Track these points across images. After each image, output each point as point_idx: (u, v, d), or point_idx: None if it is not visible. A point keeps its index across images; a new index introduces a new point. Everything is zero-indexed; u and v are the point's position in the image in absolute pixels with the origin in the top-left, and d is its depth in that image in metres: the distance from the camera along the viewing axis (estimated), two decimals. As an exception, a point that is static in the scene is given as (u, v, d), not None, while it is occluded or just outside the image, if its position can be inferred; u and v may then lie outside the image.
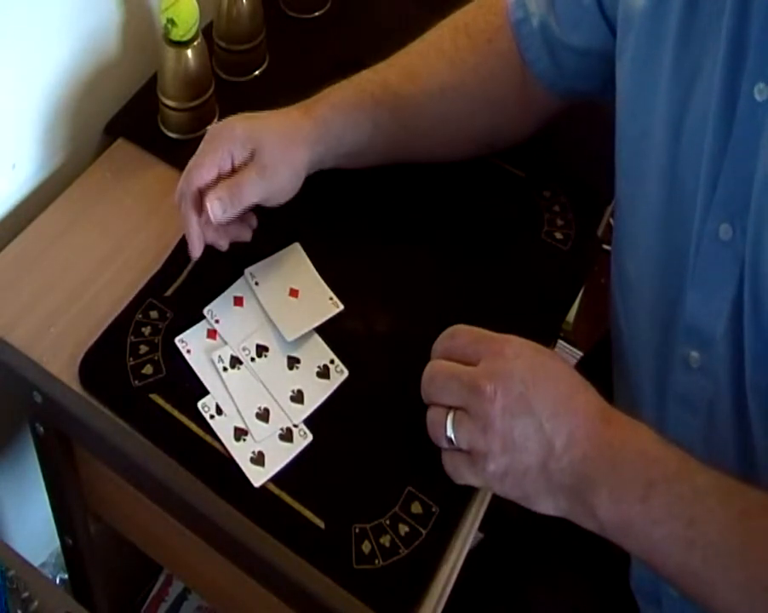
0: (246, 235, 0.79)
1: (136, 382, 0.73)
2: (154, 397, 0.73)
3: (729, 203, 0.63)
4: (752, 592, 0.58)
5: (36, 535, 1.11)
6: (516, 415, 0.62)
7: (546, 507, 0.63)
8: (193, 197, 0.73)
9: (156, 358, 0.75)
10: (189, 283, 0.79)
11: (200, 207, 0.73)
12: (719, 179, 0.63)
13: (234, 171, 0.74)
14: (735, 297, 0.64)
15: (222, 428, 0.71)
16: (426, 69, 0.82)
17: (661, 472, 0.60)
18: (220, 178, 0.74)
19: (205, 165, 0.73)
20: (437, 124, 0.83)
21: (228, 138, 0.74)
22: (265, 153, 0.74)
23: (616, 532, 0.61)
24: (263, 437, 0.71)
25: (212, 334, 0.76)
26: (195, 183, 0.73)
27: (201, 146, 0.75)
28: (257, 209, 0.79)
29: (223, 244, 0.77)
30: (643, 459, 0.61)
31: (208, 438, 0.71)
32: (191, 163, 0.75)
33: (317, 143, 0.78)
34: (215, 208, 0.72)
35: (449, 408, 0.64)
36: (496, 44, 0.82)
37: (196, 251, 0.75)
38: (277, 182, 0.75)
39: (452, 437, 0.64)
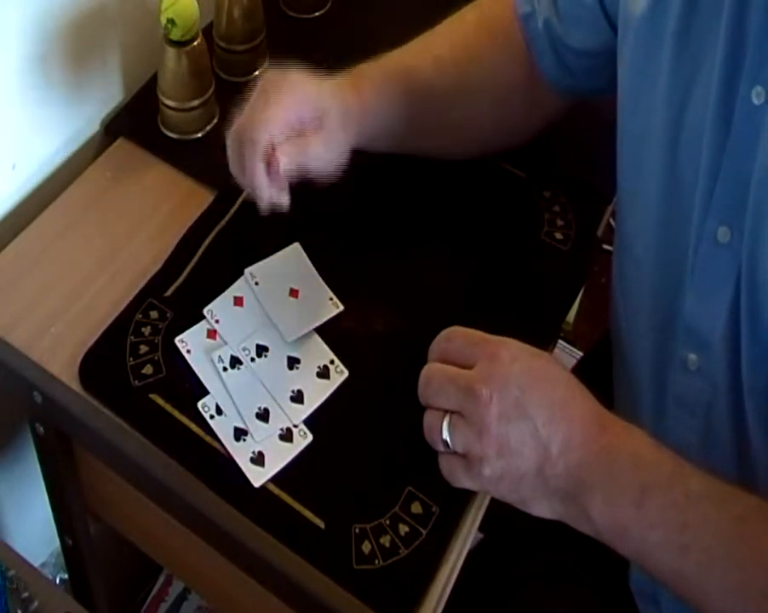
0: (284, 202, 0.76)
1: (136, 382, 0.73)
2: (154, 397, 0.73)
3: (727, 206, 0.63)
4: (746, 597, 0.58)
5: (36, 535, 1.11)
6: (512, 420, 0.61)
7: (541, 510, 0.63)
8: (264, 146, 0.71)
9: (156, 358, 0.75)
10: (189, 283, 0.79)
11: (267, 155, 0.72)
12: (716, 181, 0.63)
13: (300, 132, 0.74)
14: (732, 299, 0.64)
15: (222, 428, 0.71)
16: (454, 65, 0.82)
17: (655, 478, 0.60)
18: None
19: (278, 118, 0.72)
20: (446, 106, 0.83)
21: (301, 97, 0.74)
22: (331, 121, 0.74)
23: (611, 536, 0.61)
24: (263, 437, 0.71)
25: (212, 334, 0.76)
26: (266, 134, 0.71)
27: (264, 97, 0.73)
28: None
29: (285, 201, 0.75)
30: (637, 464, 0.61)
31: (208, 438, 0.71)
32: (259, 112, 0.72)
33: (361, 124, 0.78)
34: (284, 162, 0.71)
35: (446, 411, 0.64)
36: (506, 36, 0.82)
37: (265, 199, 0.73)
38: (333, 152, 0.75)
39: (448, 440, 0.64)
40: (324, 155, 0.74)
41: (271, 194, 0.74)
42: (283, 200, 0.75)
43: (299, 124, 0.73)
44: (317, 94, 0.75)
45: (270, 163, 0.72)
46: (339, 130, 0.75)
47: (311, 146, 0.73)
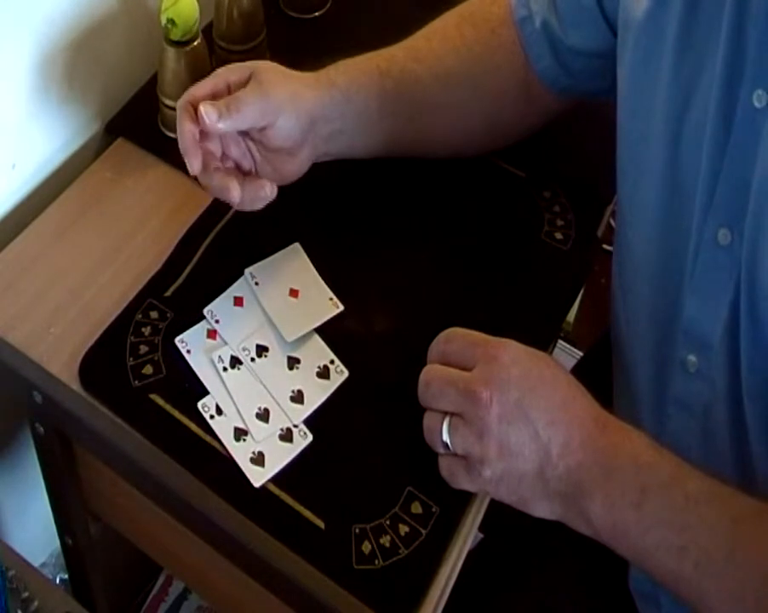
0: (264, 192, 0.74)
1: (136, 382, 0.73)
2: (154, 397, 0.73)
3: (727, 208, 0.63)
4: (742, 599, 0.58)
5: (36, 535, 1.11)
6: (512, 422, 0.62)
7: (542, 511, 0.63)
8: (186, 106, 0.71)
9: (156, 358, 0.75)
10: (189, 283, 0.79)
11: (195, 118, 0.71)
12: (717, 184, 0.63)
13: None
14: (732, 302, 0.64)
15: (222, 428, 0.71)
16: (431, 53, 0.82)
17: (654, 479, 0.60)
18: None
19: (199, 85, 0.73)
20: (439, 106, 0.82)
21: (224, 69, 0.75)
22: (262, 74, 0.73)
23: (610, 537, 0.62)
24: (263, 437, 0.71)
25: (212, 334, 0.76)
26: (188, 97, 0.72)
27: None
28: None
29: (234, 195, 0.72)
30: (636, 466, 0.61)
31: (208, 438, 0.71)
32: None
33: (322, 89, 0.77)
34: (209, 110, 0.69)
35: (446, 413, 0.64)
36: (500, 35, 0.82)
37: (193, 164, 0.70)
38: (274, 102, 0.72)
39: (448, 442, 0.64)
40: (262, 100, 0.72)
41: (206, 172, 0.72)
42: (233, 193, 0.72)
43: (225, 85, 0.73)
44: (242, 62, 0.75)
45: (201, 125, 0.70)
46: (277, 81, 0.73)
47: (240, 93, 0.71)
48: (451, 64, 0.81)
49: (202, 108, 0.69)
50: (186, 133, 0.71)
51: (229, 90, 0.73)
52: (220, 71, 0.75)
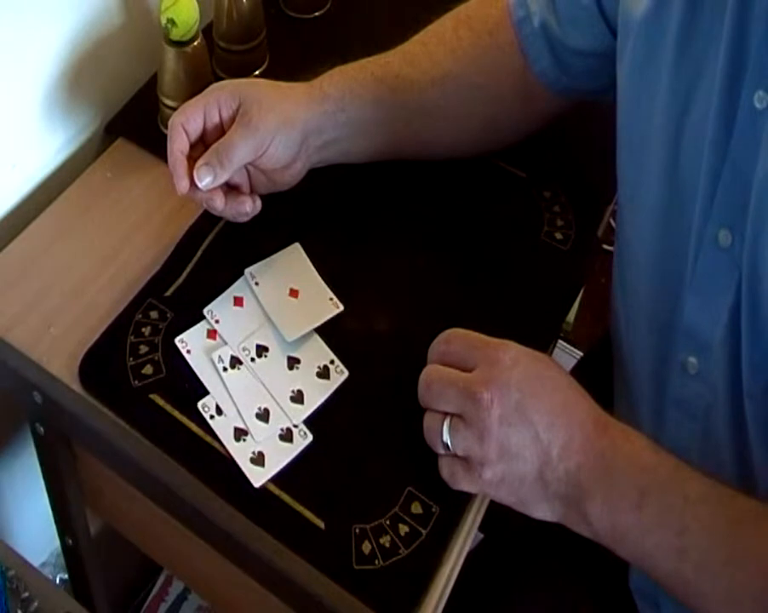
0: (244, 208, 0.76)
1: (136, 382, 0.73)
2: (154, 397, 0.73)
3: (728, 210, 0.63)
4: (741, 601, 0.58)
5: (36, 535, 1.11)
6: (512, 423, 0.62)
7: (541, 513, 0.63)
8: (178, 127, 0.73)
9: (156, 358, 0.75)
10: (189, 283, 0.79)
11: (187, 139, 0.74)
12: (718, 185, 0.63)
13: (222, 131, 0.74)
14: (733, 303, 0.64)
15: (222, 428, 0.71)
16: (427, 57, 0.82)
17: (653, 481, 0.61)
18: (205, 131, 0.75)
19: (191, 105, 0.74)
20: (437, 109, 0.82)
21: (216, 88, 0.76)
22: (251, 105, 0.74)
23: (610, 539, 0.62)
24: (263, 437, 0.71)
25: (212, 334, 0.76)
26: (180, 117, 0.73)
27: None
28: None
29: (218, 205, 0.75)
30: (636, 468, 0.61)
31: (208, 438, 0.71)
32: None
33: (313, 103, 0.77)
34: (203, 175, 0.72)
35: (446, 414, 0.64)
36: (497, 37, 0.82)
37: (181, 184, 0.73)
38: (265, 135, 0.73)
39: (448, 443, 0.64)
40: (252, 139, 0.73)
41: (207, 198, 0.74)
42: (217, 203, 0.75)
43: (216, 113, 0.74)
44: (233, 83, 0.77)
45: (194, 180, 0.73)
46: (267, 109, 0.74)
47: (230, 137, 0.73)
48: (448, 67, 0.81)
49: (196, 174, 0.72)
50: (175, 152, 0.73)
51: (219, 111, 0.74)
52: (212, 88, 0.76)
